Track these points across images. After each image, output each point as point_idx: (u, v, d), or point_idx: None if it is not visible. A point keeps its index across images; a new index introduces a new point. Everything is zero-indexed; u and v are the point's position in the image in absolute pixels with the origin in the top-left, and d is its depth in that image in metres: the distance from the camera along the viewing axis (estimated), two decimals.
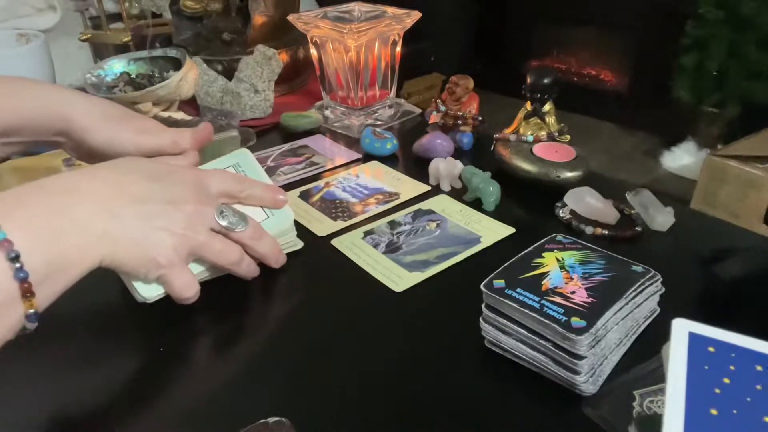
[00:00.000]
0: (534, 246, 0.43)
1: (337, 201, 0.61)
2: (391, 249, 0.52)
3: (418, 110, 0.85)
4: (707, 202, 1.71)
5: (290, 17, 0.77)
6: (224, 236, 0.44)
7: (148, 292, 0.41)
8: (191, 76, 0.73)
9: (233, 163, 0.52)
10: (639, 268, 0.41)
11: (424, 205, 0.60)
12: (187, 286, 0.42)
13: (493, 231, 0.55)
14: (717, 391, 0.25)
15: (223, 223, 0.43)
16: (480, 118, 0.72)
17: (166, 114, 0.74)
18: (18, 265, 0.31)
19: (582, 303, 0.37)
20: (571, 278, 0.39)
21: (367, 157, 0.71)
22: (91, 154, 0.48)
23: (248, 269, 0.46)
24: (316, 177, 0.67)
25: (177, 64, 0.76)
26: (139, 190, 0.40)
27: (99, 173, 0.40)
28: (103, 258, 0.37)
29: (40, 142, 0.49)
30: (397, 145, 0.71)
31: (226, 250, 0.44)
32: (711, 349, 0.27)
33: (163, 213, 0.40)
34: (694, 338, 0.27)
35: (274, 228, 0.48)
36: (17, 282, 0.32)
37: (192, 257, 0.42)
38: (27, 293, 0.32)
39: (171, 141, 0.49)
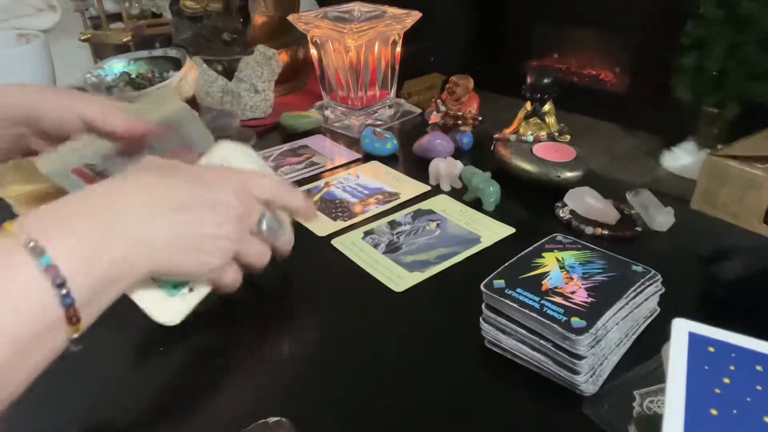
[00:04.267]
0: (534, 246, 0.43)
1: (337, 201, 0.61)
2: (391, 249, 0.52)
3: (418, 110, 0.85)
4: (707, 202, 1.71)
5: (290, 17, 0.77)
6: (262, 241, 0.43)
7: (170, 315, 0.41)
8: (191, 76, 0.73)
9: (223, 160, 0.48)
10: (639, 268, 0.41)
11: (424, 205, 0.60)
12: (235, 281, 0.41)
13: (493, 231, 0.55)
14: (717, 391, 0.25)
15: (265, 229, 0.42)
16: (480, 118, 0.71)
17: None
18: (64, 291, 0.30)
19: (582, 303, 0.37)
20: (571, 278, 0.39)
21: (367, 157, 0.71)
22: (49, 134, 0.47)
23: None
24: (316, 177, 0.67)
25: (177, 64, 0.76)
26: (182, 195, 0.38)
27: (139, 180, 0.38)
28: (151, 269, 0.36)
29: (6, 137, 0.48)
30: (397, 145, 0.71)
31: (262, 255, 0.42)
32: (711, 349, 0.27)
33: (211, 218, 0.38)
34: (694, 338, 0.27)
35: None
36: (63, 308, 0.30)
37: (234, 258, 0.41)
38: (73, 318, 0.31)
39: (123, 125, 0.47)
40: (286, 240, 0.45)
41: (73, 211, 0.34)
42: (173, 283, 0.42)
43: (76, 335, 0.31)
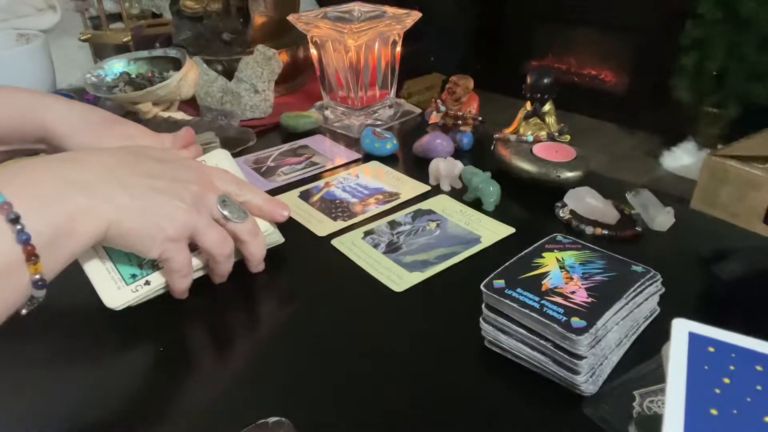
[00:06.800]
0: (534, 246, 0.43)
1: (337, 201, 0.61)
2: (391, 249, 0.52)
3: (418, 110, 0.85)
4: (707, 202, 1.71)
5: (290, 17, 0.77)
6: (222, 227, 0.44)
7: (119, 301, 0.42)
8: (191, 76, 0.73)
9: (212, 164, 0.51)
10: (639, 268, 0.41)
11: (424, 205, 0.60)
12: (187, 264, 0.42)
13: (493, 231, 0.55)
14: (717, 391, 0.25)
15: (225, 211, 0.43)
16: (480, 118, 0.72)
17: (166, 114, 0.74)
18: (19, 227, 0.31)
19: (582, 303, 0.37)
20: (571, 278, 0.39)
21: (367, 157, 0.71)
22: None
23: (228, 268, 0.45)
24: (316, 177, 0.67)
25: (177, 64, 0.76)
26: (146, 167, 0.40)
27: (106, 151, 0.41)
28: (110, 223, 0.36)
29: (22, 150, 0.49)
30: (397, 145, 0.71)
31: (222, 242, 0.43)
32: (711, 349, 0.27)
33: (171, 188, 0.40)
34: (694, 338, 0.27)
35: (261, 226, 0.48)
36: (20, 245, 0.31)
37: (189, 240, 0.42)
38: (31, 256, 0.32)
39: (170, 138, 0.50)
40: (258, 243, 0.46)
41: (37, 166, 0.35)
42: (131, 271, 0.43)
43: (37, 276, 0.32)
